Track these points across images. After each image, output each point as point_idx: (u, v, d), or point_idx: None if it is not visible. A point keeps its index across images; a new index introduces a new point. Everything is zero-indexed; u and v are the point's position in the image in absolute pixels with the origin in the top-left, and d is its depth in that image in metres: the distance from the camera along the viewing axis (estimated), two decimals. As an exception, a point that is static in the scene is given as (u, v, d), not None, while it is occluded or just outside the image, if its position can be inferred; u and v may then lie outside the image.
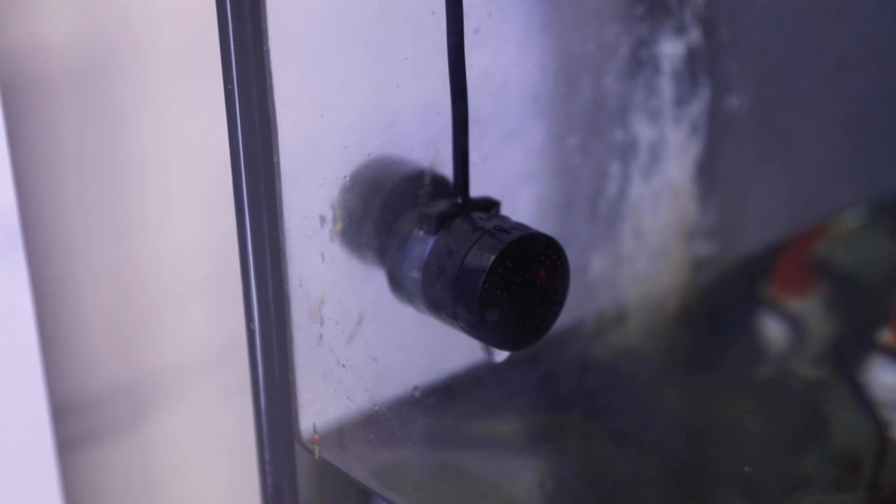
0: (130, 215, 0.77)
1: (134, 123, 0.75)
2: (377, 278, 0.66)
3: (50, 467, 0.74)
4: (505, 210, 0.65)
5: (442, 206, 0.64)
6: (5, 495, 0.73)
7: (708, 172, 0.84)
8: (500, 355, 0.66)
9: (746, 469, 0.73)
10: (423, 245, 0.64)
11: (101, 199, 0.76)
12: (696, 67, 0.80)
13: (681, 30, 0.79)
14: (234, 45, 0.59)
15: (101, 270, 0.77)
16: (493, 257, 0.61)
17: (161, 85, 0.75)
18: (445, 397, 0.71)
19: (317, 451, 0.66)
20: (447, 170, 0.65)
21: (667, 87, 0.80)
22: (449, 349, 0.70)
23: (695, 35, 0.79)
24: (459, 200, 0.64)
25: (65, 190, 0.74)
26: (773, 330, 0.87)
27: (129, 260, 0.77)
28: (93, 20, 0.72)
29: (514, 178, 0.73)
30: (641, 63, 0.78)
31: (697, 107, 0.82)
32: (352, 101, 0.62)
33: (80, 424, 0.79)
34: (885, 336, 0.85)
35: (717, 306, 0.88)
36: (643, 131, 0.80)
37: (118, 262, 0.77)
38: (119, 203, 0.76)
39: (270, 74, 0.59)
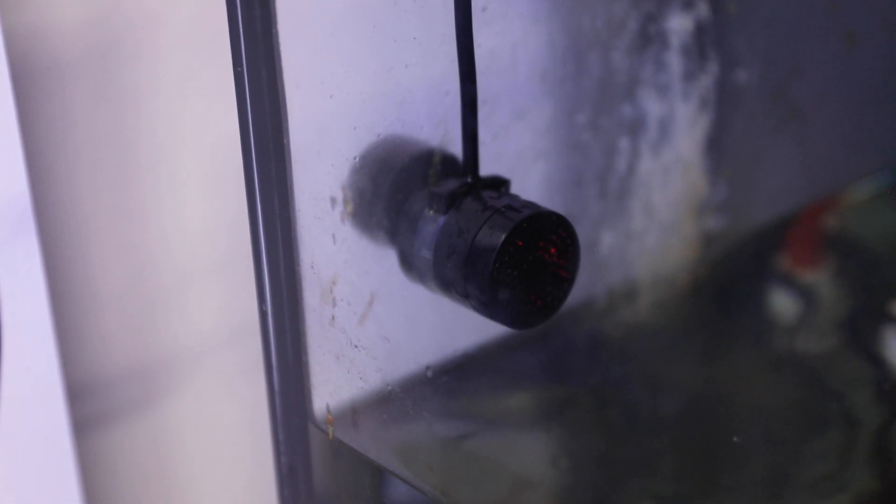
0: (142, 197, 0.77)
1: (146, 105, 0.75)
2: (388, 258, 0.66)
3: (66, 448, 0.75)
4: (515, 188, 0.65)
5: (452, 185, 0.64)
6: (24, 477, 0.74)
7: (717, 146, 0.84)
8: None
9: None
10: (433, 224, 0.64)
11: (113, 182, 0.76)
12: (704, 42, 0.80)
13: (688, 4, 0.79)
14: (243, 27, 0.59)
15: (113, 253, 0.77)
16: (504, 236, 0.61)
17: (173, 66, 0.75)
18: (457, 376, 0.72)
19: (330, 431, 0.67)
20: (456, 149, 0.65)
21: (675, 61, 0.79)
22: (460, 328, 0.70)
23: (702, 9, 0.79)
24: (469, 179, 0.64)
25: (77, 172, 0.74)
26: (784, 303, 0.87)
27: (141, 242, 0.78)
28: (104, 1, 0.72)
29: (524, 157, 0.73)
30: (649, 38, 0.78)
31: (706, 81, 0.82)
32: (361, 81, 0.62)
33: (94, 406, 0.80)
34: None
35: (729, 280, 0.88)
36: (652, 107, 0.79)
37: (131, 244, 0.77)
38: (131, 185, 0.76)
39: (280, 56, 0.59)
